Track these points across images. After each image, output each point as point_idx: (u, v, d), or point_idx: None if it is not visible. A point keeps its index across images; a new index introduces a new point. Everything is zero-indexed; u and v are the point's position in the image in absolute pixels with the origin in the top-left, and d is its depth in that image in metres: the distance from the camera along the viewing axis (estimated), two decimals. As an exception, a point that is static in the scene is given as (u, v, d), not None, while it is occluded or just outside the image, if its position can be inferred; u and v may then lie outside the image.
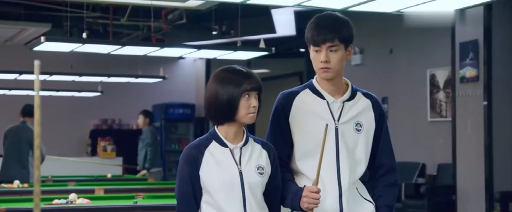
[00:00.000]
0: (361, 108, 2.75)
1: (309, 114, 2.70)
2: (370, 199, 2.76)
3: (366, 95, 2.80)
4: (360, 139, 2.71)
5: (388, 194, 2.78)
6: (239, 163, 2.54)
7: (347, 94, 2.74)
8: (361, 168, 2.74)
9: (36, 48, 7.05)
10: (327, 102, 2.71)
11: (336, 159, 2.68)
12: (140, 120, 8.96)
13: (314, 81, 2.77)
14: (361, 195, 2.73)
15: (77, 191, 5.73)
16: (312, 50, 2.69)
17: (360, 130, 2.72)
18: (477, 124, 7.50)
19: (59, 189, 6.54)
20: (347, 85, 2.78)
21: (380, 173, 2.80)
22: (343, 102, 2.72)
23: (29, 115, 7.82)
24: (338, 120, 2.70)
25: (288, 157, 2.74)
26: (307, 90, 2.75)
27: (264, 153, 2.60)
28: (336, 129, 2.69)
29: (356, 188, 2.72)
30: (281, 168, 2.68)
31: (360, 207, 2.71)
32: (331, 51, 2.65)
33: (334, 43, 2.64)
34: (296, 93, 2.75)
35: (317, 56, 2.67)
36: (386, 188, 2.78)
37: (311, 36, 2.67)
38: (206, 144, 2.55)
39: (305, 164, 2.70)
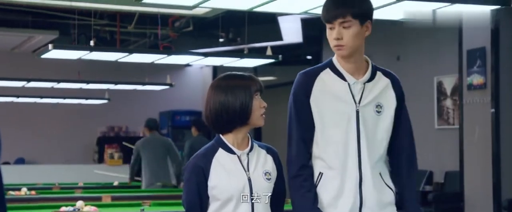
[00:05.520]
0: (382, 88, 2.68)
1: (330, 97, 2.62)
2: (392, 185, 2.69)
3: (386, 73, 2.73)
4: (380, 122, 2.65)
5: (411, 188, 2.74)
6: (247, 170, 2.53)
7: (368, 74, 2.67)
8: (382, 151, 2.67)
9: (44, 56, 7.07)
10: (348, 84, 2.64)
11: (357, 145, 2.60)
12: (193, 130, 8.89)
13: (334, 59, 2.68)
14: (384, 182, 2.66)
15: (84, 199, 5.73)
16: (327, 28, 2.62)
17: (380, 112, 2.64)
18: (484, 132, 7.46)
19: (66, 197, 6.55)
20: (368, 63, 2.72)
21: (402, 161, 2.74)
22: (364, 83, 2.65)
23: (155, 128, 8.10)
24: (359, 102, 2.62)
25: (311, 140, 2.64)
26: (328, 70, 2.66)
27: (270, 158, 2.59)
28: (357, 112, 2.61)
29: (379, 173, 2.65)
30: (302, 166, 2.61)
31: (382, 194, 2.64)
32: (344, 27, 2.58)
33: (346, 19, 2.57)
34: (317, 73, 2.65)
35: (331, 34, 2.60)
36: (409, 180, 2.74)
37: (323, 13, 2.60)
38: (212, 153, 2.54)
39: (325, 150, 2.61)
